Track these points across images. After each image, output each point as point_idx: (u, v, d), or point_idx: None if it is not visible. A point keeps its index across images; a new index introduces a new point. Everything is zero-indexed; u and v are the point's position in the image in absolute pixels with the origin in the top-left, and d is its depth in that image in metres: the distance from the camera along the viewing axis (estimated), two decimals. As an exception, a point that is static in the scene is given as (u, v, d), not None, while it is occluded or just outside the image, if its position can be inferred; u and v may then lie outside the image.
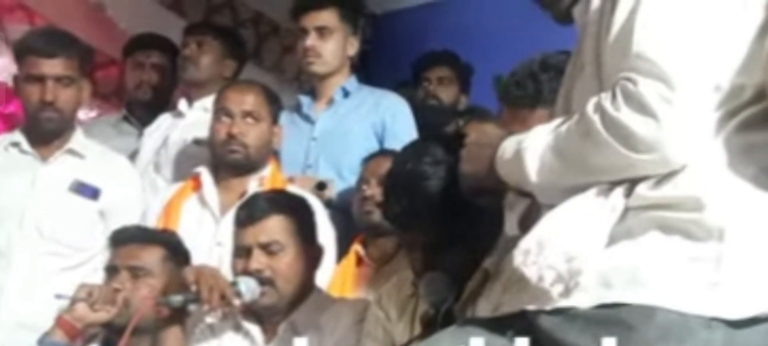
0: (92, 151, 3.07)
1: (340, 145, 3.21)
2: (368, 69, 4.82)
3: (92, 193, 2.98)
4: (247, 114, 2.92)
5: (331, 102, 3.36)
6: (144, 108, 3.73)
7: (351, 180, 3.08)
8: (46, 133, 2.98)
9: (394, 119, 3.32)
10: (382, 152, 2.99)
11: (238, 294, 2.31)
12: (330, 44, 3.31)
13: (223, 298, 2.28)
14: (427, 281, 2.02)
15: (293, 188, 2.92)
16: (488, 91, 3.91)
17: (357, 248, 2.92)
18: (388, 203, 1.99)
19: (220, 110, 2.95)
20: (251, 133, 2.92)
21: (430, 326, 1.93)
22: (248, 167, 2.93)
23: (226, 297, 2.29)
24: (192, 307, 2.34)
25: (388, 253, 2.86)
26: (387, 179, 2.02)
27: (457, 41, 4.21)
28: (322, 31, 3.30)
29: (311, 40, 3.29)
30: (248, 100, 2.94)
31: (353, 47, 3.39)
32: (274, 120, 3.01)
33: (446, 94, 3.88)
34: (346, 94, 3.38)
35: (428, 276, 2.03)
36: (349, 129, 3.30)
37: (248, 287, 2.32)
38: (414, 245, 2.04)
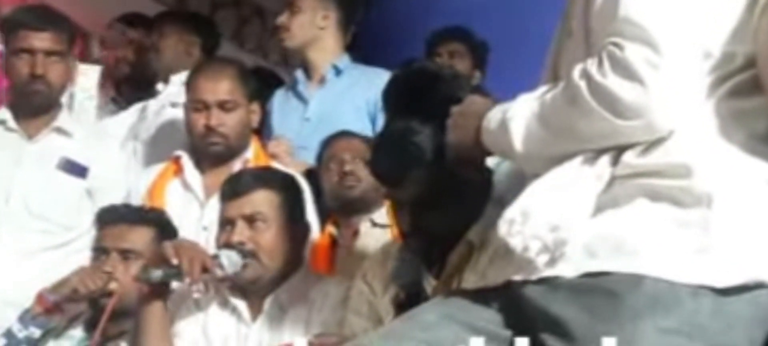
0: (79, 130, 3.06)
1: (333, 128, 3.17)
2: (363, 49, 4.80)
3: (80, 171, 2.96)
4: (222, 104, 2.83)
5: (323, 81, 3.38)
6: (128, 85, 3.74)
7: None
8: (34, 108, 2.96)
9: None
10: (344, 133, 3.01)
11: (220, 266, 2.28)
12: (298, 19, 3.38)
13: (204, 270, 2.25)
14: (397, 265, 2.02)
15: (280, 165, 2.91)
16: (490, 70, 3.91)
17: (330, 228, 2.91)
18: (378, 158, 2.00)
19: (194, 101, 2.87)
20: (229, 123, 2.84)
21: (402, 308, 1.94)
22: (230, 155, 2.88)
23: (208, 269, 2.26)
24: (174, 284, 2.31)
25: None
26: (378, 136, 2.05)
27: (454, 21, 4.17)
28: (292, 7, 3.38)
29: (282, 17, 3.40)
30: (222, 89, 2.84)
31: (327, 19, 3.41)
32: (251, 98, 2.93)
33: (458, 68, 3.86)
34: (337, 72, 3.40)
35: (399, 258, 2.02)
36: (342, 111, 3.30)
37: (230, 260, 2.29)
38: (401, 202, 2.05)
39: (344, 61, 3.43)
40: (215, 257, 2.29)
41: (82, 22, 4.27)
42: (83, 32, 4.41)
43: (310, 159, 3.10)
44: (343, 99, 3.33)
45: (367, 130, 3.17)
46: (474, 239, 1.90)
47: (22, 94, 2.96)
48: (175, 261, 2.22)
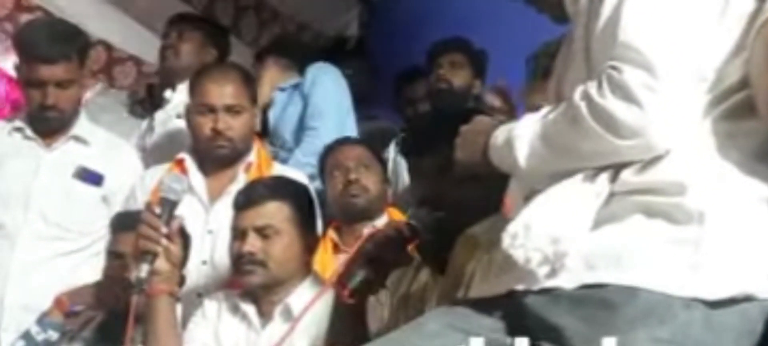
0: (96, 137, 3.07)
1: (279, 136, 3.40)
2: (366, 55, 4.85)
3: (96, 179, 2.99)
4: (229, 107, 2.87)
5: (272, 103, 3.63)
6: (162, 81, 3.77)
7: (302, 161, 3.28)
8: (49, 127, 2.98)
9: (313, 81, 3.56)
10: (346, 140, 3.10)
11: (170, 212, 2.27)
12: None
13: (154, 229, 2.23)
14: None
15: (286, 169, 2.98)
16: (491, 74, 3.96)
17: (332, 235, 2.96)
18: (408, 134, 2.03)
19: (200, 105, 2.89)
20: (236, 126, 2.88)
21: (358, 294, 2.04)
22: (235, 158, 2.91)
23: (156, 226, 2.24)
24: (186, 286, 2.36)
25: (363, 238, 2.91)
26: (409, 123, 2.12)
27: (454, 26, 4.22)
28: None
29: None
30: (228, 93, 2.88)
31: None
32: (254, 101, 2.98)
33: (458, 78, 3.90)
34: (282, 89, 3.65)
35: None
36: (288, 117, 3.56)
37: (172, 188, 2.27)
38: (421, 170, 2.12)
39: (288, 81, 3.68)
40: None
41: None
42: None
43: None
44: (286, 108, 3.60)
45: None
46: (479, 235, 1.93)
47: (36, 118, 2.97)
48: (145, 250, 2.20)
